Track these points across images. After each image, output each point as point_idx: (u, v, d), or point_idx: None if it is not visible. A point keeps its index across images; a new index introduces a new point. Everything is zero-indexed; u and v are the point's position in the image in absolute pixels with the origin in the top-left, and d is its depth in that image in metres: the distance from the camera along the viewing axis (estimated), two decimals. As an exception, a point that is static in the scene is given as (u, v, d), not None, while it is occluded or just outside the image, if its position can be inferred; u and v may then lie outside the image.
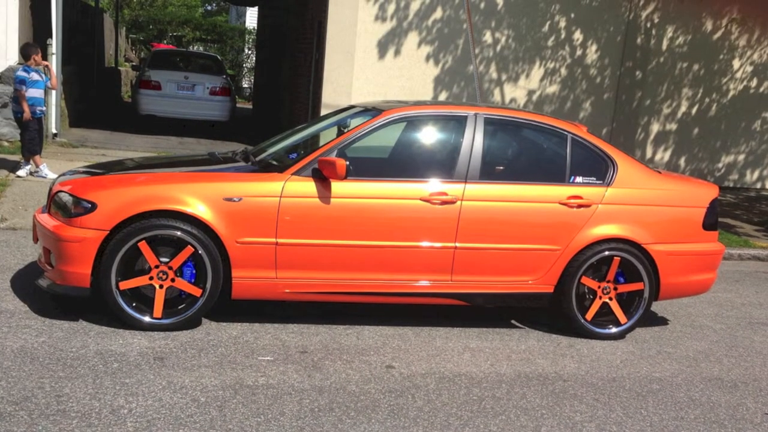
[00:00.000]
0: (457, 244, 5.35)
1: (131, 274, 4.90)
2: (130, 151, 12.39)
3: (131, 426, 3.69)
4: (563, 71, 13.74)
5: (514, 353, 5.27)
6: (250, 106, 25.65)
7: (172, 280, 4.93)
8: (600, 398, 4.64)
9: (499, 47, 13.38)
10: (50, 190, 5.24)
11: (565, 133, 5.77)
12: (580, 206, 5.56)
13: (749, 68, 14.61)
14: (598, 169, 5.72)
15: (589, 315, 5.69)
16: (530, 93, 13.66)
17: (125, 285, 4.86)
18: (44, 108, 9.82)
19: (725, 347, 5.90)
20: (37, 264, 5.33)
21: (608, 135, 13.91)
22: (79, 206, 4.82)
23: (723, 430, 4.39)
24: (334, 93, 12.58)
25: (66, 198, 4.92)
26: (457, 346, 5.28)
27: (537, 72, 13.63)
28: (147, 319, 4.91)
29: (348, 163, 5.04)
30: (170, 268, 4.91)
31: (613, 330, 5.76)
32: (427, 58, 13.11)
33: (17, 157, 10.04)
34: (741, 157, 14.92)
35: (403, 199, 5.27)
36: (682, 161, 14.63)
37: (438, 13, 13.01)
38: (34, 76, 9.35)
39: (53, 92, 11.52)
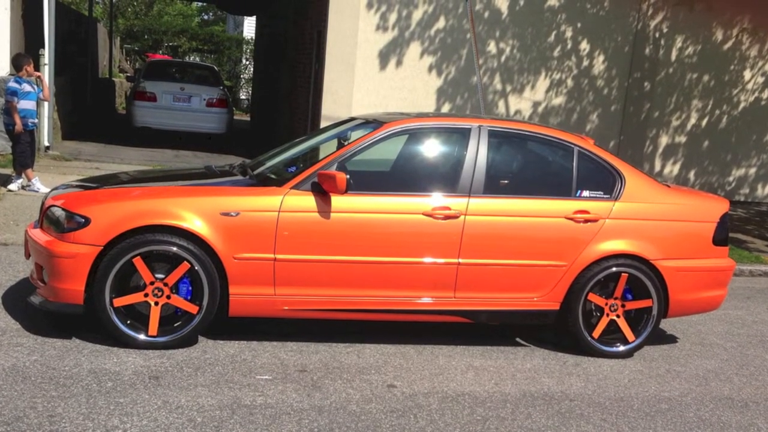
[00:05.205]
0: (461, 260, 5.26)
1: (126, 291, 4.83)
2: (125, 164, 12.33)
3: (122, 449, 3.63)
4: (569, 82, 13.66)
5: (519, 372, 5.18)
6: (248, 118, 25.68)
7: (168, 297, 4.86)
8: (607, 418, 4.56)
9: (503, 58, 13.31)
10: (42, 204, 5.18)
11: (572, 145, 5.69)
12: (586, 221, 5.47)
13: (761, 79, 14.50)
14: (606, 182, 5.63)
15: (596, 333, 5.60)
16: (535, 105, 13.58)
17: (120, 302, 4.79)
18: (36, 120, 9.77)
19: (736, 366, 5.80)
20: (29, 280, 5.28)
21: (616, 148, 13.81)
22: (72, 221, 4.75)
23: (735, 454, 4.29)
24: (334, 105, 12.51)
25: (59, 212, 4.86)
26: (460, 365, 5.20)
27: (542, 83, 13.55)
28: (142, 337, 4.84)
29: (348, 176, 4.96)
30: (166, 284, 4.84)
31: (621, 348, 5.66)
32: (430, 69, 13.04)
33: (9, 171, 9.98)
34: (752, 171, 14.79)
35: (405, 213, 5.19)
36: (691, 175, 14.52)
37: (441, 23, 12.95)
38: (26, 87, 9.28)
39: (45, 104, 11.46)
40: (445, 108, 13.18)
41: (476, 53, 10.75)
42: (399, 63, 12.85)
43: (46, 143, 12.19)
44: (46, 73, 11.59)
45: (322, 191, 5.02)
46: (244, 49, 33.58)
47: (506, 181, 5.68)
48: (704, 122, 14.37)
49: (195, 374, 4.54)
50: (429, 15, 12.87)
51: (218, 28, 40.40)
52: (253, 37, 29.54)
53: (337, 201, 5.05)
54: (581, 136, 5.99)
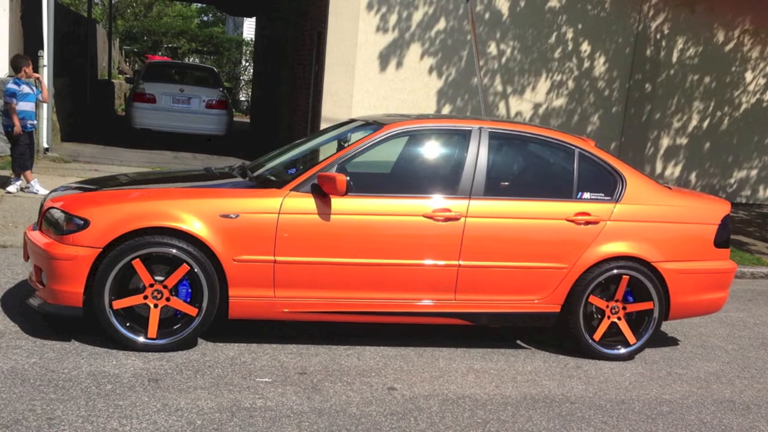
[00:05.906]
0: (461, 262, 5.24)
1: (125, 293, 4.81)
2: (124, 166, 12.29)
3: (120, 453, 3.61)
4: (570, 84, 13.64)
5: (520, 374, 5.16)
6: (248, 120, 25.66)
7: (167, 299, 4.84)
8: (608, 421, 4.53)
9: (504, 59, 13.29)
10: (42, 206, 5.16)
11: (573, 147, 5.67)
12: (587, 223, 5.45)
13: (762, 81, 14.47)
14: (607, 184, 5.61)
15: (597, 335, 5.58)
16: (536, 106, 13.56)
17: (119, 304, 4.77)
18: (35, 122, 9.75)
19: (737, 368, 5.77)
20: (28, 283, 5.26)
21: (617, 149, 13.79)
22: (71, 223, 4.73)
23: (737, 458, 4.27)
24: (334, 106, 12.49)
25: (58, 214, 4.84)
26: (460, 367, 5.17)
27: (543, 85, 13.53)
28: (141, 339, 4.82)
29: (348, 178, 4.94)
30: (165, 286, 4.82)
31: (622, 350, 5.64)
32: (430, 71, 13.01)
33: (7, 173, 9.97)
34: (754, 173, 14.76)
35: (406, 215, 5.17)
36: (693, 176, 14.49)
37: (441, 24, 12.92)
38: (25, 88, 9.25)
39: (44, 105, 11.46)
40: (446, 109, 13.16)
41: (477, 55, 10.74)
42: (399, 64, 12.83)
43: (45, 145, 12.17)
44: (45, 75, 11.56)
45: (322, 193, 5.00)
46: (243, 50, 33.55)
47: (507, 183, 5.66)
48: (705, 124, 14.35)
49: (194, 377, 4.52)
50: (429, 16, 12.85)
51: (218, 30, 40.36)
52: (253, 39, 29.51)
53: (337, 203, 5.03)
54: (582, 138, 5.97)
